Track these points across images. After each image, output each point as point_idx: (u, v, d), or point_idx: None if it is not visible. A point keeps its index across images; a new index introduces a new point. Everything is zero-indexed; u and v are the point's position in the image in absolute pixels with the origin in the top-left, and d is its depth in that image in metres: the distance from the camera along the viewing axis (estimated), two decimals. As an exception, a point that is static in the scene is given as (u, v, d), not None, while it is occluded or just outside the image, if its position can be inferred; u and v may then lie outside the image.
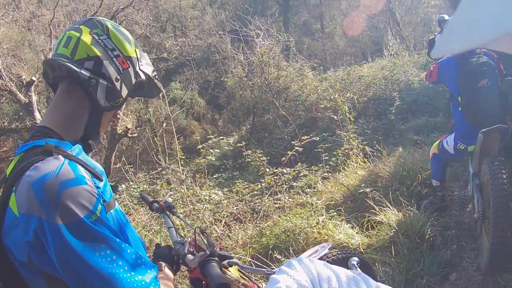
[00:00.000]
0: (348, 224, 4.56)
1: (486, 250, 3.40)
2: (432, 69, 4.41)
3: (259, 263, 3.51)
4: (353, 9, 23.57)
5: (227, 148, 10.84)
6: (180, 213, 5.29)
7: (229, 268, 1.95)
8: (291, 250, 4.17)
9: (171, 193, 2.92)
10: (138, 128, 13.03)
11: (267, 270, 2.17)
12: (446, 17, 8.34)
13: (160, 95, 9.80)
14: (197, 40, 19.00)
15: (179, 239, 1.96)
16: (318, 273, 1.25)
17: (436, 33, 8.53)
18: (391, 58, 12.63)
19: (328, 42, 22.69)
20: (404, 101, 9.63)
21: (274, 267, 3.53)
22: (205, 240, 1.93)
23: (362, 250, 4.05)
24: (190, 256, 1.73)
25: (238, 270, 2.05)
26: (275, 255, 4.15)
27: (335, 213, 4.79)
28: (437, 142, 4.52)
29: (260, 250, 4.49)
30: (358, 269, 1.93)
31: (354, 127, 7.17)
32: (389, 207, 4.40)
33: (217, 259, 1.81)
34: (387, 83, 10.96)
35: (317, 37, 23.51)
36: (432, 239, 4.06)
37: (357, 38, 22.43)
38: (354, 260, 2.16)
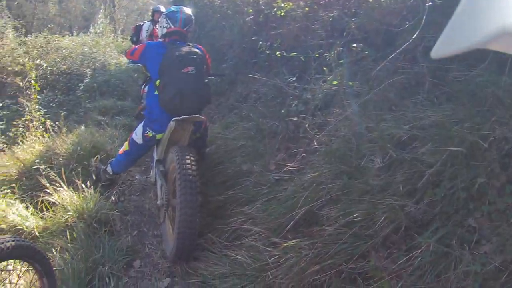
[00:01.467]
0: (23, 204, 4.05)
1: (171, 238, 3.41)
2: (136, 47, 4.18)
3: None
4: None
5: None
6: None
7: None
8: None
9: None
10: None
11: None
12: (163, 8, 8.57)
13: None
14: None
15: None
16: None
17: (144, 21, 8.72)
18: (95, 36, 12.73)
19: (40, 6, 21.05)
20: (95, 80, 9.56)
21: None
22: None
23: (38, 234, 3.65)
24: None
25: None
26: None
27: (8, 191, 4.27)
28: (127, 141, 4.32)
29: None
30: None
31: (39, 97, 6.81)
32: (63, 188, 4.06)
33: None
34: (84, 60, 10.84)
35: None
36: (111, 224, 3.90)
37: (69, 9, 21.56)
38: None
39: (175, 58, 3.68)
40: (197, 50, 3.88)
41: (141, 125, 4.04)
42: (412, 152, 2.91)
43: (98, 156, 4.89)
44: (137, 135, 4.04)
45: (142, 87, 6.92)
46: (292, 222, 2.98)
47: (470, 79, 3.02)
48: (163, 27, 4.08)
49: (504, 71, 2.80)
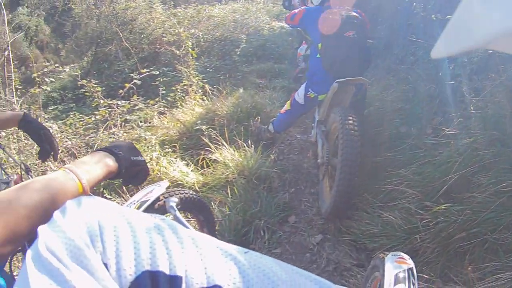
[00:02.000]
0: (183, 162, 4.45)
1: (328, 196, 3.56)
2: (296, 11, 4.33)
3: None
4: None
5: (65, 78, 10.15)
6: (13, 148, 4.79)
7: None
8: (124, 188, 3.91)
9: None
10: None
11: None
12: None
13: (5, 19, 8.62)
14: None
15: (4, 178, 1.74)
16: (101, 224, 0.86)
17: None
18: (244, 3, 12.69)
19: None
20: (251, 44, 9.70)
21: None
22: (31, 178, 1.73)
23: (198, 189, 4.00)
24: None
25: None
26: (105, 194, 3.92)
27: (169, 150, 4.67)
28: (289, 100, 4.53)
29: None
30: (177, 212, 1.82)
31: (196, 64, 7.05)
32: (225, 146, 4.39)
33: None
34: (236, 26, 10.96)
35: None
36: (270, 181, 4.11)
37: None
38: (173, 201, 1.94)
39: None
40: (356, 13, 3.89)
41: (303, 86, 4.22)
42: None
43: (259, 116, 5.16)
44: (299, 95, 4.25)
45: (298, 50, 7.12)
46: (445, 187, 3.01)
47: None
48: None
49: None
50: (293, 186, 4.24)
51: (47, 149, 1.95)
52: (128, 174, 1.27)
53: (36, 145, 1.95)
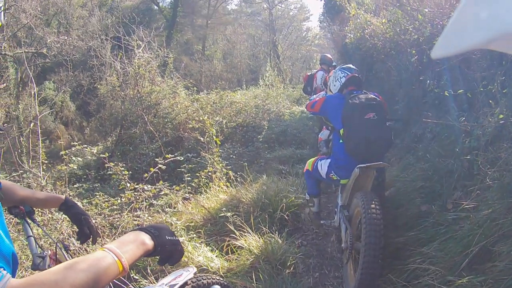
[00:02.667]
0: (208, 247, 4.45)
1: (353, 279, 3.52)
2: (316, 100, 4.48)
3: (118, 283, 3.31)
4: (237, 36, 24.16)
5: (90, 157, 10.41)
6: (38, 221, 4.87)
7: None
8: (149, 270, 3.98)
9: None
10: (6, 125, 11.98)
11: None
12: (329, 56, 8.94)
13: (32, 92, 9.10)
14: (78, 41, 18.04)
15: (39, 252, 1.80)
16: None
17: (315, 71, 9.03)
18: (265, 88, 13.09)
19: (206, 64, 23.16)
20: (273, 130, 9.93)
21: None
22: (66, 256, 1.82)
23: (222, 274, 3.99)
24: None
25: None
26: (132, 275, 3.92)
27: (194, 235, 4.68)
28: (312, 159, 4.58)
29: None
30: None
31: (220, 151, 7.14)
32: (249, 233, 4.41)
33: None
34: (258, 112, 11.28)
35: (196, 57, 23.93)
36: (294, 266, 4.09)
37: (235, 64, 22.87)
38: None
39: (356, 106, 3.86)
40: (374, 96, 4.01)
41: (327, 164, 4.26)
42: None
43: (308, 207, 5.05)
44: (322, 169, 4.29)
45: (319, 135, 7.24)
46: (467, 260, 2.95)
47: None
48: (341, 77, 4.33)
49: None
50: (317, 271, 4.19)
51: (87, 232, 2.02)
52: (164, 253, 1.32)
53: (74, 226, 2.03)
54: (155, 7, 26.83)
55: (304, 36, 33.79)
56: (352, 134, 3.86)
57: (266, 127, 9.86)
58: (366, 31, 8.61)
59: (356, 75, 4.31)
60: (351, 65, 4.49)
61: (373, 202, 3.40)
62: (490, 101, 3.89)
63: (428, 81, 4.83)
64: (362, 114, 3.83)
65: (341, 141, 4.04)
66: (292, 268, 4.05)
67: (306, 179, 4.76)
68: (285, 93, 12.86)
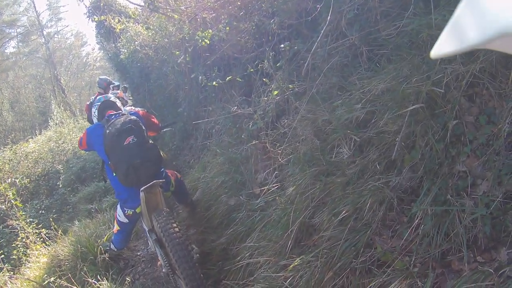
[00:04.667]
0: None
1: None
2: (82, 136, 4.21)
3: None
4: (20, 80, 22.61)
5: None
6: None
7: None
8: None
9: None
10: None
11: None
12: (105, 77, 8.46)
13: None
14: None
15: None
16: None
17: (92, 97, 8.54)
18: (56, 128, 12.66)
19: None
20: (71, 171, 9.56)
21: None
22: None
23: None
24: None
25: None
26: None
27: None
28: (115, 221, 4.31)
29: None
30: None
31: (24, 212, 6.69)
32: None
33: None
34: (54, 155, 10.89)
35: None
36: None
37: (24, 111, 21.32)
38: None
39: (112, 135, 3.66)
40: (132, 116, 3.85)
41: (118, 207, 4.05)
42: (375, 127, 2.87)
43: (107, 235, 4.88)
44: (120, 216, 4.03)
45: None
46: (291, 240, 2.94)
47: (402, 31, 2.96)
48: (94, 111, 4.19)
49: (430, 11, 2.73)
50: None
51: None
52: None
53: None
54: None
55: (85, 62, 33.12)
56: (118, 165, 3.69)
57: (61, 171, 9.50)
58: (137, 42, 8.57)
59: (109, 99, 4.20)
60: (103, 96, 4.30)
61: (167, 219, 3.45)
62: (264, 79, 3.96)
63: (200, 77, 4.77)
64: (120, 141, 3.66)
65: (114, 174, 3.82)
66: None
67: (115, 237, 4.43)
68: (77, 127, 12.19)
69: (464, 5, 0.55)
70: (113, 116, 3.87)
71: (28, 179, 9.69)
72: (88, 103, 8.78)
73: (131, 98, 6.99)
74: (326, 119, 3.18)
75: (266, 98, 3.81)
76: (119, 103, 4.24)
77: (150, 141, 3.95)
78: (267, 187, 3.52)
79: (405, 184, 2.59)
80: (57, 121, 13.07)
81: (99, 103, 4.17)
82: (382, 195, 2.58)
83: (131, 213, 3.94)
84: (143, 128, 3.85)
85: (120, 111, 4.03)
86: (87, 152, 10.23)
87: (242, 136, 4.17)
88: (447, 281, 2.24)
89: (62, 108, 14.57)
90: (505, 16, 0.47)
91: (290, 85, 3.57)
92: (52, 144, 11.37)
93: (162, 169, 4.03)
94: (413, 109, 2.54)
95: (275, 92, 3.64)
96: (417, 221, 2.40)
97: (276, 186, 3.45)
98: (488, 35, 0.48)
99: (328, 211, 2.80)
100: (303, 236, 2.96)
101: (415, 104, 2.53)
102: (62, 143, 11.32)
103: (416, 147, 2.53)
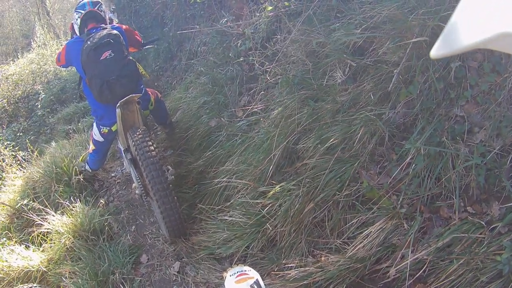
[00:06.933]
0: (23, 245, 3.87)
1: (161, 220, 3.34)
2: (61, 51, 3.98)
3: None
4: (4, 3, 21.78)
5: None
6: None
7: None
8: None
9: None
10: None
11: None
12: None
13: None
14: None
15: None
16: None
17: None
18: (39, 50, 12.06)
19: None
20: (51, 92, 9.27)
21: None
22: None
23: (45, 269, 3.49)
24: None
25: None
26: None
27: (4, 238, 4.06)
28: (90, 140, 4.16)
29: None
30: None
31: (4, 132, 6.77)
32: (52, 214, 3.87)
33: None
34: (35, 77, 10.48)
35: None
36: (107, 229, 3.76)
37: (7, 34, 20.67)
38: None
39: (89, 49, 3.42)
40: (114, 31, 3.59)
41: (94, 125, 3.91)
42: (373, 55, 2.72)
43: (82, 155, 4.74)
44: (96, 134, 3.91)
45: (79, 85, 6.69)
46: (272, 165, 2.83)
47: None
48: (77, 19, 3.97)
49: None
50: (132, 223, 3.94)
51: None
52: None
53: None
54: None
55: (69, -16, 31.43)
56: (93, 81, 3.47)
57: (41, 91, 9.16)
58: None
59: (93, 9, 3.88)
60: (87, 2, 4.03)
61: (143, 137, 3.28)
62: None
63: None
64: (97, 56, 3.41)
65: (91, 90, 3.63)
66: (106, 232, 3.74)
67: (90, 156, 4.29)
68: (60, 49, 11.83)
69: (464, 5, 0.55)
70: (93, 30, 3.63)
71: (6, 100, 9.54)
72: (72, 21, 8.41)
73: (117, 21, 6.59)
74: (321, 42, 2.97)
75: (258, 15, 3.55)
76: (103, 14, 3.95)
77: (130, 58, 3.70)
78: (251, 106, 3.35)
79: (399, 120, 2.47)
80: (40, 43, 12.53)
81: (82, 12, 3.90)
82: (374, 127, 2.45)
83: (106, 131, 3.78)
84: (123, 43, 3.61)
85: (102, 25, 3.76)
86: (68, 71, 10.00)
87: (230, 55, 3.93)
88: (434, 227, 2.18)
89: (46, 30, 13.99)
90: (505, 15, 0.46)
91: (286, 3, 3.32)
92: (34, 66, 10.91)
93: (142, 86, 3.82)
94: (416, 42, 2.37)
95: (269, 8, 3.39)
96: (408, 159, 2.30)
97: (260, 107, 3.28)
98: (488, 35, 0.47)
99: (315, 138, 2.68)
100: (286, 162, 2.85)
101: (419, 37, 2.36)
102: (44, 65, 10.85)
103: (415, 82, 2.38)
